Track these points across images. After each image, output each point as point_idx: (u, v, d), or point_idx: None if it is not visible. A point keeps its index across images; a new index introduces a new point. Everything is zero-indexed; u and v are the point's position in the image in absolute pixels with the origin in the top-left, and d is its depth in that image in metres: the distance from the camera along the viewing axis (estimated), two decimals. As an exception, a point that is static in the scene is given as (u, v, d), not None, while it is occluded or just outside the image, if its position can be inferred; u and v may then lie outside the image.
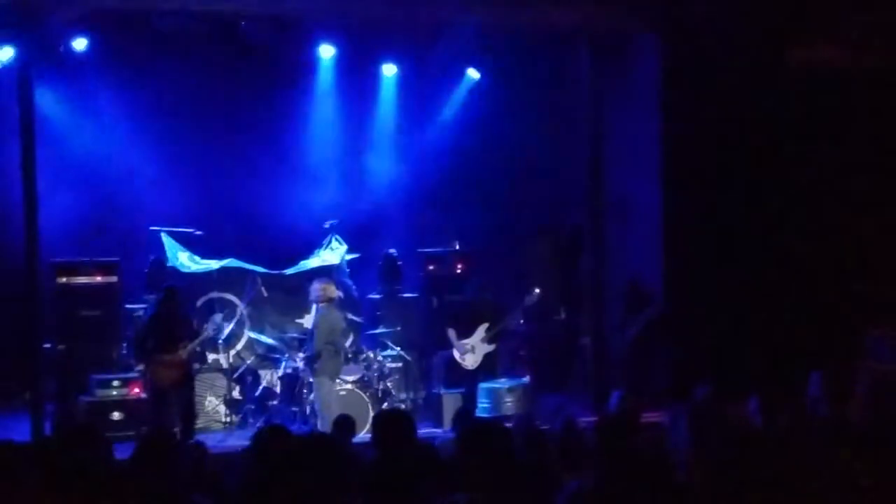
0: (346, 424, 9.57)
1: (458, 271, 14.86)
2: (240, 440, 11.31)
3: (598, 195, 14.01)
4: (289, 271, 14.15)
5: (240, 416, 13.16)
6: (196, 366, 13.34)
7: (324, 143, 15.34)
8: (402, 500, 6.23)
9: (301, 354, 12.79)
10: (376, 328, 14.05)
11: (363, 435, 10.66)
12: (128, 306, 13.56)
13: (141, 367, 12.33)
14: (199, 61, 14.27)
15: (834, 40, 13.96)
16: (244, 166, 14.87)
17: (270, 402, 13.07)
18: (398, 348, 13.82)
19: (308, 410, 12.63)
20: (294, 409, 12.76)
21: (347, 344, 13.23)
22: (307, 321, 13.97)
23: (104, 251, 13.74)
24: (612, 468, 6.17)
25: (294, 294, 13.99)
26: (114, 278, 13.44)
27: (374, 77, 15.34)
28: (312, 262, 14.32)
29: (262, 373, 13.37)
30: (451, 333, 13.10)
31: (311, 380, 12.46)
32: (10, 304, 12.71)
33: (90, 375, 12.74)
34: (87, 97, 14.25)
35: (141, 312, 13.19)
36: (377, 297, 14.66)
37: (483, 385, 13.13)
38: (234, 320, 13.72)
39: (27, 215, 11.91)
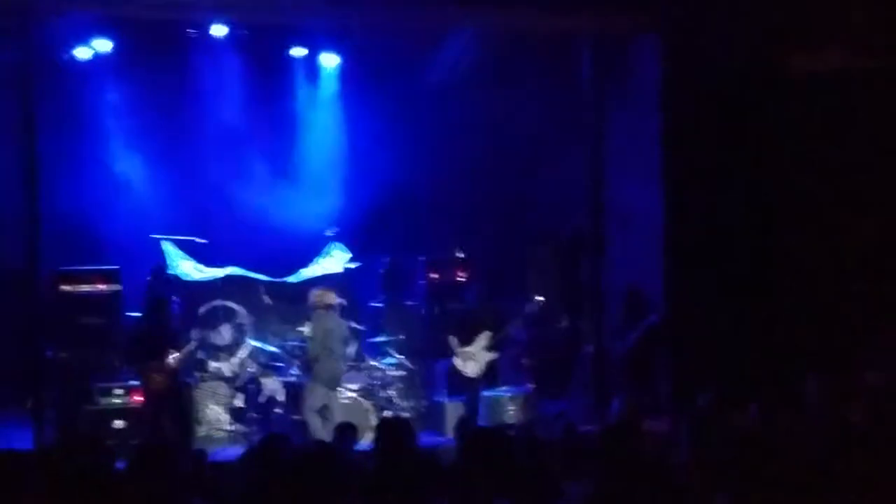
0: (347, 432, 9.58)
1: (461, 279, 14.86)
2: (242, 449, 11.30)
3: (599, 200, 14.01)
4: (291, 279, 14.15)
5: (242, 424, 13.15)
6: (197, 374, 13.37)
7: (326, 151, 15.34)
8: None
9: (298, 361, 12.82)
10: (379, 336, 14.05)
11: (365, 443, 10.64)
12: (130, 314, 13.56)
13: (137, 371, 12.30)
14: (204, 69, 14.30)
15: (834, 42, 13.96)
16: (248, 174, 14.87)
17: (273, 411, 13.05)
18: (400, 356, 13.81)
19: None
20: (296, 417, 12.75)
21: (349, 351, 13.23)
22: (308, 330, 13.98)
23: (106, 259, 13.76)
24: (613, 475, 6.18)
25: (296, 302, 13.97)
26: (116, 286, 13.43)
27: (375, 84, 15.35)
28: (313, 271, 14.33)
29: (264, 381, 13.36)
30: (453, 341, 13.08)
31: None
32: (12, 312, 12.71)
33: (92, 383, 12.74)
34: (89, 103, 14.26)
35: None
36: (379, 305, 14.66)
37: (485, 393, 13.12)
38: (237, 329, 13.73)
39: (29, 222, 11.92)
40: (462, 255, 15.11)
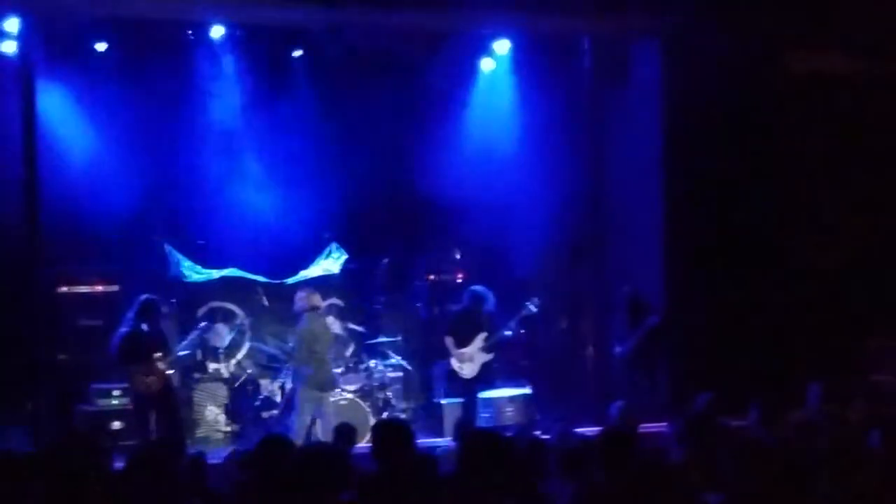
0: (346, 433, 9.57)
1: (459, 280, 14.86)
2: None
3: (599, 202, 14.02)
4: (290, 281, 14.15)
5: (240, 425, 13.15)
6: (195, 375, 13.35)
7: (323, 152, 15.33)
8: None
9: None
10: (377, 337, 14.05)
11: (363, 444, 10.64)
12: (130, 315, 13.54)
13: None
14: (202, 68, 14.29)
15: (834, 46, 13.98)
16: (246, 175, 14.86)
17: (271, 412, 13.05)
18: (399, 358, 13.82)
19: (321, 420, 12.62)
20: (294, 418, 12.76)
21: (347, 354, 13.24)
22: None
23: (104, 260, 13.76)
24: (611, 478, 6.18)
25: (294, 303, 14.01)
26: (115, 287, 13.44)
27: (374, 85, 15.35)
28: (313, 272, 14.35)
29: (262, 382, 13.36)
30: (449, 342, 13.07)
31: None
32: (11, 313, 12.69)
33: (90, 385, 12.74)
34: (90, 104, 14.25)
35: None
36: (378, 306, 14.66)
37: (484, 395, 13.12)
38: (236, 330, 13.72)
39: (28, 223, 11.92)
40: (460, 257, 15.13)
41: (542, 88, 14.81)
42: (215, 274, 13.96)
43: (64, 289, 13.26)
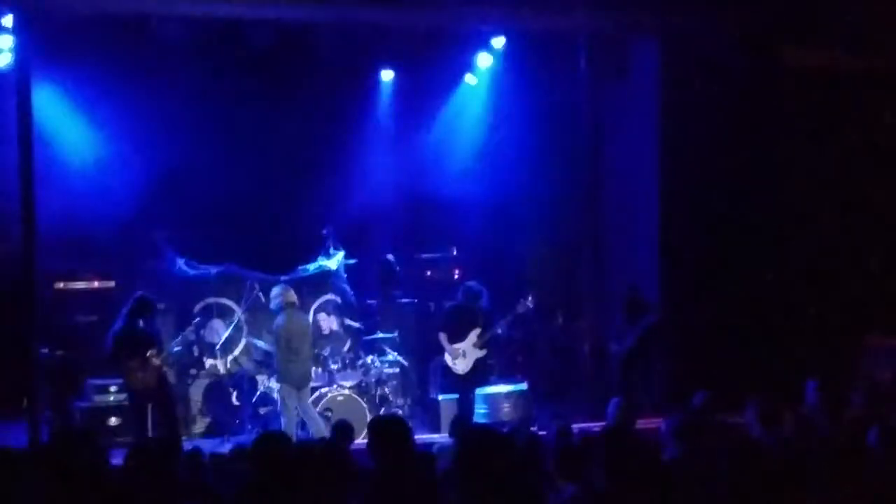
0: (344, 430, 9.57)
1: (456, 276, 14.87)
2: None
3: (596, 199, 14.02)
4: (286, 277, 14.14)
5: (237, 421, 13.15)
6: (192, 371, 13.35)
7: (322, 148, 15.34)
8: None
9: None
10: (374, 334, 14.05)
11: (361, 441, 10.65)
12: (124, 311, 13.53)
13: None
14: (199, 66, 14.26)
15: (831, 43, 13.98)
16: (242, 171, 14.86)
17: (267, 408, 13.06)
18: (396, 354, 13.82)
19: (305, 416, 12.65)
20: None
21: (344, 350, 13.24)
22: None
23: (101, 256, 13.75)
24: (608, 475, 6.17)
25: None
26: (111, 283, 13.43)
27: (372, 82, 15.36)
28: (309, 268, 14.35)
29: (259, 378, 13.36)
30: (443, 338, 13.07)
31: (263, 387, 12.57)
32: (7, 309, 12.68)
33: (87, 381, 12.74)
34: (85, 101, 14.25)
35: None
36: (374, 302, 14.66)
37: (481, 391, 13.12)
38: (232, 326, 13.71)
39: (24, 220, 11.90)
40: (457, 254, 15.14)
41: (540, 85, 14.82)
42: (212, 270, 13.95)
43: (60, 285, 13.25)
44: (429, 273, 14.94)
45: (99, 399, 12.62)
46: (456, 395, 13.11)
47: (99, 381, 12.70)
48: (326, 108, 15.26)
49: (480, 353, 13.03)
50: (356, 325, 13.96)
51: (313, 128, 15.25)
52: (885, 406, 9.42)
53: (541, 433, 9.07)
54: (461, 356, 12.99)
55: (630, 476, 6.06)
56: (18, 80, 12.05)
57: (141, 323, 11.77)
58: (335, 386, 12.84)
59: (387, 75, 15.34)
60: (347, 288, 14.45)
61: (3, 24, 12.16)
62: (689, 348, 13.55)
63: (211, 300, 13.90)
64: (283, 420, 12.20)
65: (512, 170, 15.49)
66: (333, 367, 13.05)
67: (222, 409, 13.27)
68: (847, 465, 6.59)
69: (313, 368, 12.91)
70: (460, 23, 13.47)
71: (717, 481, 6.26)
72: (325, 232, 14.39)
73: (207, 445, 10.70)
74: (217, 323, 13.72)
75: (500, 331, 13.21)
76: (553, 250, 15.94)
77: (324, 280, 14.36)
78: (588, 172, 13.99)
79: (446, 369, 13.17)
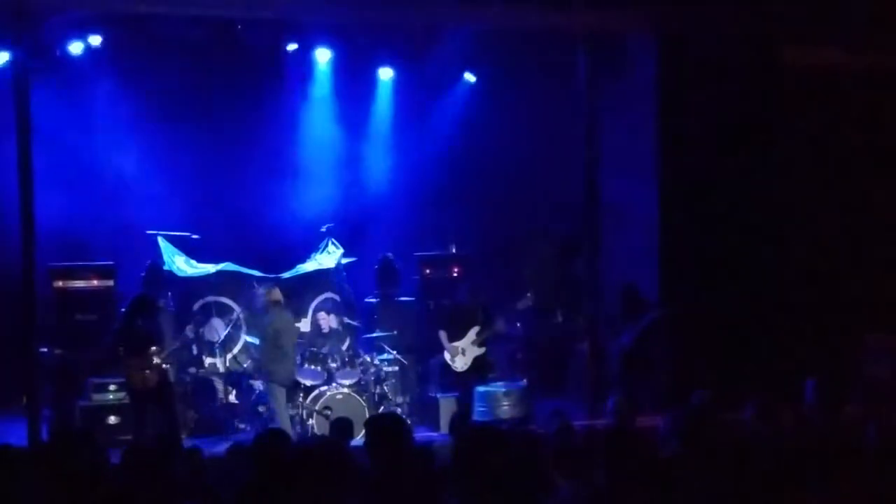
0: (344, 428, 9.57)
1: (455, 275, 14.88)
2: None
3: (595, 198, 14.01)
4: (285, 275, 14.15)
5: (236, 420, 13.16)
6: (191, 370, 13.35)
7: (321, 147, 15.35)
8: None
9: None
10: (373, 332, 14.05)
11: (360, 439, 10.65)
12: (124, 310, 13.53)
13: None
14: (197, 65, 14.29)
15: (829, 42, 13.98)
16: (241, 170, 14.88)
17: (266, 407, 13.05)
18: (395, 352, 13.82)
19: (304, 415, 12.66)
20: (290, 412, 12.77)
21: (343, 348, 13.24)
22: (303, 325, 14.01)
23: (101, 255, 13.75)
24: (607, 473, 6.18)
25: (291, 298, 14.02)
26: (110, 282, 13.43)
27: (370, 80, 15.37)
28: (309, 266, 14.37)
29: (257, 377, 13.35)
30: (443, 336, 13.10)
31: (262, 386, 12.58)
32: (7, 308, 12.69)
33: (87, 379, 12.73)
34: (83, 101, 14.25)
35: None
36: (374, 300, 14.67)
37: (480, 389, 13.13)
38: (231, 324, 13.72)
39: (23, 219, 11.89)
40: (456, 251, 15.14)
41: (539, 83, 14.82)
42: (211, 268, 13.95)
43: (60, 285, 13.25)
44: (428, 272, 14.94)
45: (98, 398, 12.61)
46: (455, 394, 13.13)
47: (98, 380, 12.70)
48: (326, 106, 15.28)
49: (480, 351, 13.07)
50: (355, 323, 13.97)
51: (312, 126, 15.27)
52: (884, 405, 9.44)
53: (539, 431, 9.07)
54: (460, 354, 13.02)
55: (629, 474, 6.07)
56: (16, 78, 12.03)
57: (142, 321, 11.78)
58: (334, 384, 12.84)
59: (385, 74, 15.34)
60: (347, 286, 14.46)
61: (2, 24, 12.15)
62: (688, 345, 13.55)
63: (210, 299, 13.90)
64: (278, 421, 12.21)
65: (511, 168, 15.49)
66: (332, 365, 13.05)
67: (208, 407, 13.26)
68: (846, 464, 6.60)
69: (312, 367, 12.94)
70: (458, 20, 13.46)
71: (717, 479, 6.27)
72: (324, 229, 14.40)
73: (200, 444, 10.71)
74: (216, 321, 13.72)
75: (500, 328, 13.24)
76: (552, 248, 15.95)
77: (323, 278, 14.37)
78: (587, 170, 13.97)
79: (446, 367, 13.20)
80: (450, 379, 13.29)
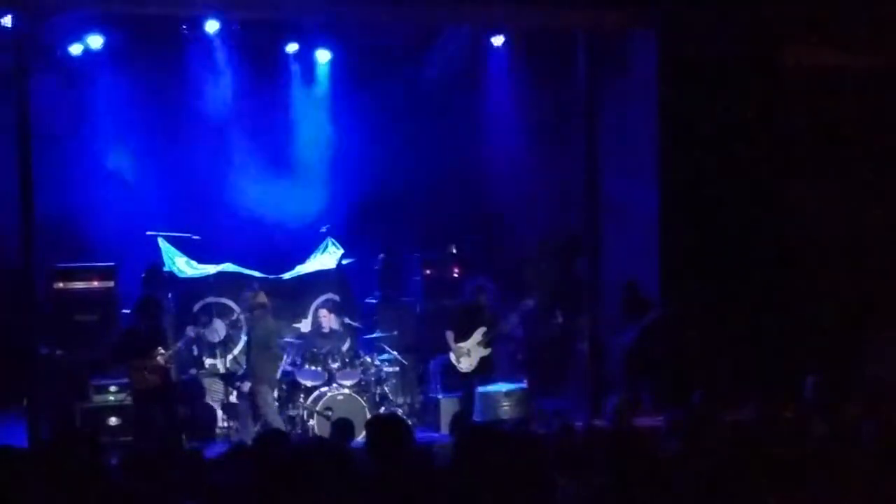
0: (345, 429, 9.57)
1: (455, 275, 14.87)
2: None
3: (595, 197, 14.00)
4: (286, 276, 14.15)
5: (237, 420, 13.16)
6: (192, 371, 13.35)
7: (321, 147, 15.34)
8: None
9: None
10: (373, 332, 14.05)
11: (361, 439, 10.65)
12: (125, 311, 13.53)
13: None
14: (197, 65, 14.29)
15: (830, 40, 13.98)
16: (241, 171, 14.87)
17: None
18: (395, 352, 13.82)
19: (305, 415, 12.66)
20: (291, 413, 12.78)
21: (343, 349, 13.24)
22: (304, 326, 14.01)
23: (101, 256, 13.75)
24: (609, 473, 6.18)
25: (291, 299, 14.04)
26: (111, 283, 13.42)
27: (370, 81, 15.35)
28: (309, 267, 14.36)
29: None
30: (450, 336, 13.10)
31: (249, 388, 12.60)
32: (7, 309, 12.68)
33: (87, 380, 12.73)
34: (83, 101, 14.25)
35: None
36: (374, 301, 14.66)
37: (480, 389, 13.13)
38: (231, 325, 13.72)
39: (23, 219, 11.89)
40: (456, 252, 15.13)
41: (538, 81, 14.82)
42: (211, 269, 13.96)
43: (60, 285, 13.24)
44: (428, 272, 14.93)
45: (99, 399, 12.61)
46: (458, 394, 13.14)
47: (99, 381, 12.69)
48: (326, 106, 15.28)
49: (485, 352, 13.08)
50: (356, 323, 13.96)
51: (312, 126, 15.27)
52: (883, 402, 9.43)
53: (540, 431, 9.07)
54: (466, 354, 13.03)
55: (630, 474, 6.07)
56: (16, 77, 12.03)
57: (146, 323, 11.81)
58: (335, 385, 12.84)
59: (385, 74, 15.33)
60: (347, 286, 14.45)
61: (2, 24, 12.14)
62: (688, 344, 13.54)
63: (210, 300, 13.91)
64: (268, 419, 12.25)
65: (511, 166, 15.48)
66: (333, 365, 13.05)
67: (198, 407, 13.27)
68: (845, 462, 6.60)
69: (313, 367, 12.95)
70: (459, 19, 13.47)
71: (717, 478, 6.28)
72: (324, 229, 14.41)
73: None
74: (217, 322, 13.72)
75: (506, 329, 13.25)
76: (552, 247, 15.93)
77: (323, 279, 14.37)
78: (587, 168, 13.96)
79: (450, 367, 13.20)
80: (452, 379, 13.29)
